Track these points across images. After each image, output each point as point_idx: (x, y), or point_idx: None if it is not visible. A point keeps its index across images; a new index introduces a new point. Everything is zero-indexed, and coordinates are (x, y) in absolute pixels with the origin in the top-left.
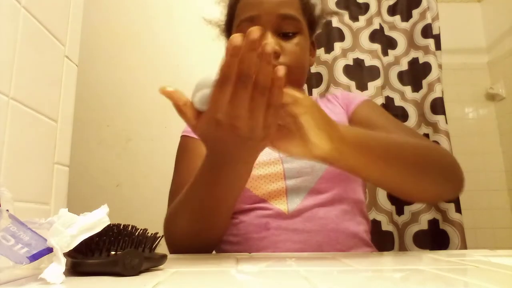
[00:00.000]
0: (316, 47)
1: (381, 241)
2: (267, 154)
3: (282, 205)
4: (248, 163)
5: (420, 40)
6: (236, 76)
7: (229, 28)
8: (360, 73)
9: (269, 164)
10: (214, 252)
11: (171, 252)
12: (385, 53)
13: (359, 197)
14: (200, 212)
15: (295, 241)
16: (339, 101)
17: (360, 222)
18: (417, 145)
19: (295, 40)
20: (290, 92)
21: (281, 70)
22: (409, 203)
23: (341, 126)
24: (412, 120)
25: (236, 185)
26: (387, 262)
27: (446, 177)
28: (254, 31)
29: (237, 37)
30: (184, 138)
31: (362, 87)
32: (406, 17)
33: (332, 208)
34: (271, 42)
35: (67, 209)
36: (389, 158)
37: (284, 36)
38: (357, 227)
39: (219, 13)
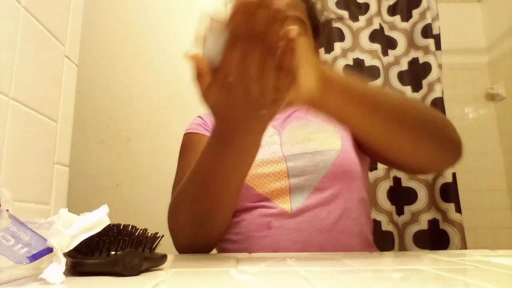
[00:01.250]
0: (319, 52)
1: (381, 241)
2: (270, 153)
3: (285, 204)
4: (256, 134)
5: (420, 40)
6: (246, 35)
7: None
8: (360, 73)
9: (272, 162)
10: (214, 251)
11: (176, 247)
12: (385, 53)
13: (362, 197)
14: (202, 198)
15: (296, 241)
16: None
17: (364, 222)
18: (411, 101)
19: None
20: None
21: (293, 31)
22: (410, 203)
23: (329, 68)
24: None
25: (242, 163)
26: (387, 262)
27: (443, 138)
28: None
29: None
30: (187, 135)
31: None
32: (406, 17)
33: (336, 208)
34: None
35: (67, 209)
36: (380, 109)
37: None
38: (361, 227)
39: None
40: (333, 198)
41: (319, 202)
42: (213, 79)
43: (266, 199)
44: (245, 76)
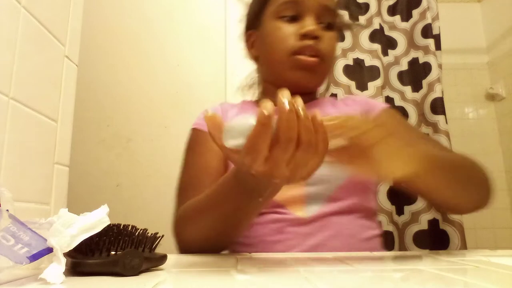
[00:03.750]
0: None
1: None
2: None
3: (300, 212)
4: (273, 195)
5: (420, 40)
6: (276, 139)
7: (258, 15)
8: (360, 73)
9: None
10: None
11: (180, 251)
12: (385, 53)
13: (373, 206)
14: (217, 227)
15: (310, 246)
16: (357, 106)
17: (374, 229)
18: (455, 157)
19: (332, 33)
20: (363, 121)
21: (318, 115)
22: (410, 203)
23: (411, 151)
24: (412, 120)
25: (260, 207)
26: (387, 262)
27: (481, 184)
28: (286, 97)
29: (269, 107)
30: (194, 131)
31: (362, 87)
32: (406, 17)
33: (349, 216)
34: (312, 25)
35: (67, 209)
36: (441, 172)
37: (326, 26)
38: (372, 233)
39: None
40: (347, 207)
41: (333, 210)
42: (237, 155)
43: (280, 205)
44: (271, 169)
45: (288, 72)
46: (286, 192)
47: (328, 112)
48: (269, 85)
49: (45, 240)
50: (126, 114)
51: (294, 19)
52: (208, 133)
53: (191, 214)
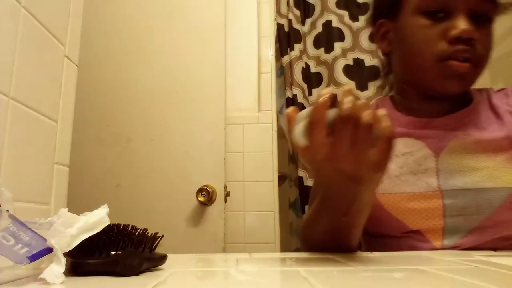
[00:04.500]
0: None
1: None
2: (424, 185)
3: (437, 242)
4: (363, 203)
5: None
6: (340, 114)
7: (395, 3)
8: (360, 73)
9: (426, 197)
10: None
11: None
12: None
13: None
14: (326, 236)
15: None
16: None
17: None
18: None
19: (488, 29)
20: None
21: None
22: None
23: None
24: None
25: (354, 221)
26: (387, 262)
27: None
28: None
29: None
30: None
31: (362, 87)
32: None
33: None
34: (465, 25)
35: (67, 209)
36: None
37: (477, 21)
38: None
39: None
40: (494, 240)
41: (476, 245)
42: (307, 150)
43: (417, 232)
44: (335, 156)
45: (434, 79)
46: (424, 222)
47: (487, 116)
48: (404, 84)
49: (45, 240)
50: (126, 114)
51: (441, 15)
52: (287, 131)
53: (306, 228)
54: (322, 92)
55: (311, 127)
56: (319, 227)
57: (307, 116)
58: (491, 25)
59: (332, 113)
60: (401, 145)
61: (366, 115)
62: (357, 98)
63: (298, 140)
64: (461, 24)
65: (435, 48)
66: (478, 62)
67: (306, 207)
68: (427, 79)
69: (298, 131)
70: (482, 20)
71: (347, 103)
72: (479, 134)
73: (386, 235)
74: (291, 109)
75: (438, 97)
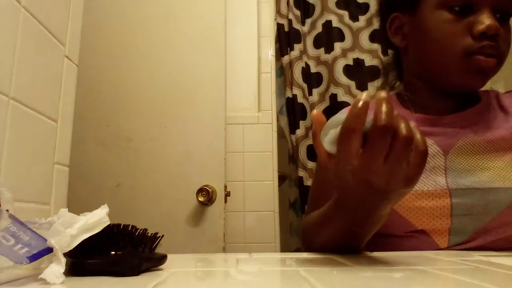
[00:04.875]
0: None
1: None
2: (432, 183)
3: (443, 241)
4: (381, 215)
5: None
6: (375, 125)
7: (410, 1)
8: (360, 73)
9: (434, 196)
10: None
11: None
12: (385, 53)
13: None
14: (334, 243)
15: None
16: None
17: None
18: None
19: (509, 26)
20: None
21: (412, 123)
22: None
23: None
24: None
25: (367, 231)
26: (387, 262)
27: None
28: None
29: (365, 97)
30: None
31: (362, 87)
32: None
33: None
34: (490, 20)
35: (67, 209)
36: None
37: (499, 17)
38: None
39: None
40: (500, 241)
41: (481, 244)
42: (334, 160)
43: (422, 232)
44: (368, 168)
45: (458, 74)
46: (431, 222)
47: (496, 116)
48: (417, 80)
49: (45, 240)
50: (126, 114)
51: (464, 9)
52: (312, 133)
53: (312, 229)
54: (360, 97)
55: (345, 135)
56: (328, 232)
57: (340, 122)
58: (509, 22)
59: (367, 122)
60: None
61: (404, 128)
62: (392, 107)
63: (327, 147)
64: (487, 20)
65: (460, 43)
66: (502, 58)
67: (306, 207)
68: (450, 74)
69: (329, 138)
70: (504, 16)
71: (385, 112)
72: (488, 133)
73: (388, 235)
74: (317, 111)
75: (451, 94)
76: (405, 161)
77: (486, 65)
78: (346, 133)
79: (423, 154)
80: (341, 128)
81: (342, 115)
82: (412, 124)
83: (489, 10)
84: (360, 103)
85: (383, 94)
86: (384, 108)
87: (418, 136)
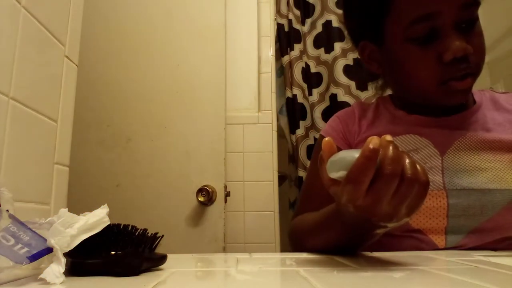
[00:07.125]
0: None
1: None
2: (430, 184)
3: (439, 241)
4: (377, 234)
5: None
6: (379, 173)
7: (375, 25)
8: (360, 73)
9: (431, 196)
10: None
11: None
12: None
13: None
14: (327, 248)
15: None
16: None
17: None
18: None
19: (477, 28)
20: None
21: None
22: None
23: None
24: None
25: (366, 242)
26: (387, 262)
27: None
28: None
29: (375, 142)
30: (320, 137)
31: (362, 87)
32: None
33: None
34: (457, 44)
35: (67, 209)
36: None
37: (465, 27)
38: None
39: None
40: (495, 241)
41: (478, 244)
42: (339, 188)
43: (419, 231)
44: (372, 205)
45: (438, 98)
46: (427, 221)
47: (492, 117)
48: (405, 99)
49: (45, 240)
50: (126, 114)
51: (429, 37)
52: (319, 158)
53: (304, 233)
54: (369, 145)
55: (352, 183)
56: (321, 237)
57: (350, 164)
58: (478, 21)
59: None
60: (406, 142)
61: (409, 169)
62: (396, 146)
63: (333, 177)
64: (453, 44)
65: (433, 74)
66: (477, 71)
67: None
68: (430, 99)
69: (336, 175)
70: (470, 23)
71: (391, 159)
72: (485, 134)
73: (387, 234)
74: (329, 139)
75: (441, 108)
76: (408, 199)
77: (462, 87)
78: (352, 182)
79: (425, 185)
80: (348, 175)
81: (354, 153)
82: (415, 159)
83: (452, 28)
84: (373, 144)
85: (388, 137)
86: (390, 153)
87: (419, 168)
